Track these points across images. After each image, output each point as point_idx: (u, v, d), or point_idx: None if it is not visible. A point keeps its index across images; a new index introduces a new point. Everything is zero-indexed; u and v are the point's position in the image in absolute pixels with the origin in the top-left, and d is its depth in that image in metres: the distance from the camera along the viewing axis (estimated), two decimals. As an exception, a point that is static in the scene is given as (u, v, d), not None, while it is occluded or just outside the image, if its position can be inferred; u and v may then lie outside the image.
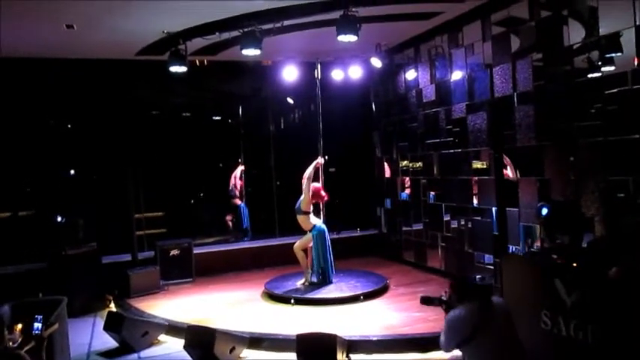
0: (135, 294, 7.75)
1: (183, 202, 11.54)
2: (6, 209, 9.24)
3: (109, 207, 9.36)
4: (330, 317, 6.45)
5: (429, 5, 6.82)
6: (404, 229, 9.37)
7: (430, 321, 5.83)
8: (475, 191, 7.43)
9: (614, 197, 5.35)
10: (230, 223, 11.22)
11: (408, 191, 9.28)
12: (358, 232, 10.55)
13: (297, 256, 7.64)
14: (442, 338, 3.69)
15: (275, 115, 11.57)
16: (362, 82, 9.34)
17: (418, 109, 8.66)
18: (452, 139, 7.88)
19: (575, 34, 5.73)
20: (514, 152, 6.77)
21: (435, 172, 8.35)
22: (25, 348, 4.18)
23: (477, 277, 6.41)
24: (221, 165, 11.94)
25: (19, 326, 4.45)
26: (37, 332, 4.41)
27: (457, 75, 7.65)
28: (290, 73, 8.44)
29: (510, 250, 6.56)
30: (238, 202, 11.01)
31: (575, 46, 5.76)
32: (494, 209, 6.97)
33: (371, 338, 5.68)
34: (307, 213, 7.54)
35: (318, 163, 7.81)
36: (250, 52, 6.83)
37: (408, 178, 9.23)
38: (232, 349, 5.50)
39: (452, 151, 7.89)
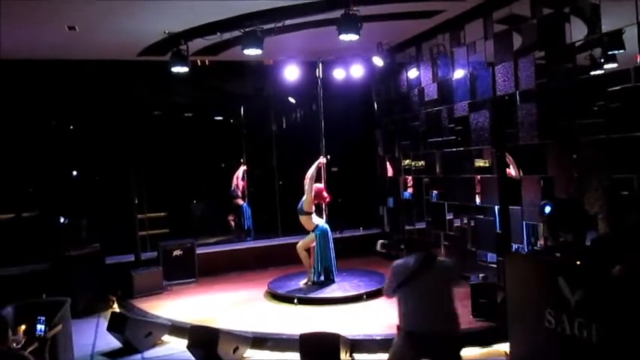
0: (138, 294, 7.76)
1: (186, 202, 11.55)
2: (9, 210, 9.26)
3: (112, 207, 9.38)
4: (333, 317, 6.45)
5: (430, 3, 6.81)
6: (407, 228, 9.36)
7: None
8: (478, 190, 7.41)
9: (618, 195, 5.33)
10: (232, 223, 11.23)
11: (410, 190, 9.27)
12: (361, 232, 10.54)
13: (300, 255, 7.63)
14: (385, 283, 4.19)
15: (277, 115, 11.58)
16: (364, 81, 9.33)
17: (420, 108, 8.65)
18: (454, 137, 7.86)
19: (577, 31, 5.72)
20: (517, 150, 6.74)
21: (438, 170, 8.33)
22: (29, 349, 4.20)
23: (482, 275, 6.39)
24: (223, 165, 11.95)
25: (23, 327, 4.47)
26: (40, 333, 4.43)
27: (459, 73, 7.63)
28: (291, 73, 8.43)
29: (513, 249, 6.54)
30: (240, 202, 11.02)
31: (577, 44, 5.74)
32: (497, 207, 6.95)
33: (374, 337, 5.67)
34: (309, 213, 7.53)
35: (320, 162, 7.80)
36: (252, 52, 6.83)
37: (410, 177, 9.23)
38: (236, 349, 5.50)
39: (454, 149, 7.87)
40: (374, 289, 7.22)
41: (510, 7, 6.45)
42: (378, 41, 8.19)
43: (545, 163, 6.07)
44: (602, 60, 5.57)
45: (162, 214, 10.74)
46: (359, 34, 6.23)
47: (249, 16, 6.57)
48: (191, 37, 7.22)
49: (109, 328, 6.14)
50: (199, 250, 8.91)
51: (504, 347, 5.31)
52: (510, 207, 6.62)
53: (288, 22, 6.65)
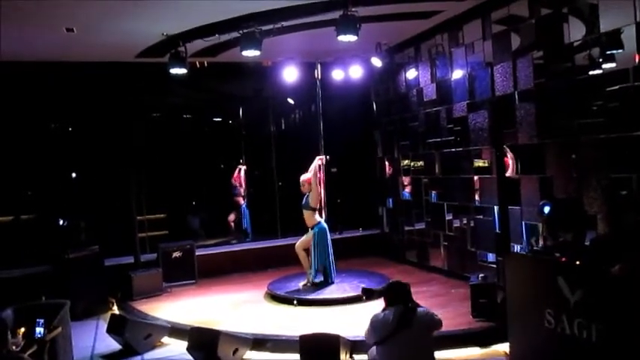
0: (137, 296, 7.75)
1: (185, 203, 11.53)
2: (8, 213, 9.24)
3: (111, 209, 9.36)
4: (333, 318, 6.44)
5: (428, 4, 6.81)
6: (406, 228, 9.36)
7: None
8: (477, 190, 7.42)
9: (617, 194, 5.33)
10: (232, 224, 11.22)
11: (408, 189, 9.27)
12: (360, 232, 10.54)
13: (299, 256, 7.64)
14: (366, 332, 4.31)
15: (276, 116, 11.55)
16: (362, 82, 9.32)
17: (419, 108, 8.66)
18: (453, 137, 7.87)
19: (575, 31, 5.72)
20: (516, 150, 6.75)
21: (437, 171, 8.34)
22: (28, 352, 4.19)
23: (481, 275, 6.38)
24: (222, 166, 11.94)
25: (22, 330, 4.45)
26: (39, 336, 4.42)
27: (458, 74, 7.64)
28: (290, 74, 8.43)
29: (513, 249, 6.54)
30: (241, 201, 11.00)
31: (575, 44, 5.75)
32: (496, 208, 6.96)
33: (374, 338, 5.66)
34: (314, 209, 7.58)
35: (319, 160, 7.83)
36: (250, 53, 6.82)
37: (408, 178, 9.23)
38: (235, 351, 5.50)
39: (453, 149, 7.88)
40: (373, 290, 7.21)
41: (509, 8, 6.47)
42: (376, 42, 8.19)
43: (544, 163, 6.08)
44: (601, 60, 5.57)
45: (162, 215, 10.73)
46: (357, 35, 6.23)
47: (247, 17, 6.56)
48: (189, 38, 7.22)
49: (109, 330, 6.13)
50: (199, 252, 8.90)
51: (504, 347, 5.31)
52: (509, 207, 6.62)
53: (286, 23, 6.65)
